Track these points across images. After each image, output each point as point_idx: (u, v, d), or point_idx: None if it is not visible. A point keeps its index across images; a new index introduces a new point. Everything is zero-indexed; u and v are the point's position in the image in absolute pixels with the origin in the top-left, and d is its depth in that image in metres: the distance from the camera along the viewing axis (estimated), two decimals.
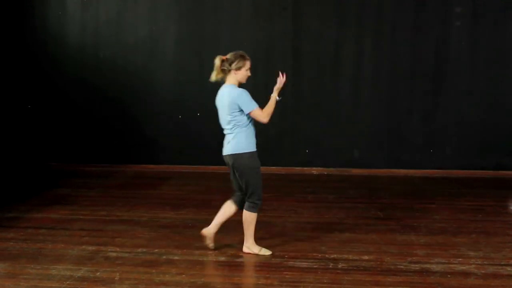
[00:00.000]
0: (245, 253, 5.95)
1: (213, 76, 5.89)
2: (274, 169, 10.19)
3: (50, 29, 10.70)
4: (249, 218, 5.89)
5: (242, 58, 5.79)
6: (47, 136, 10.84)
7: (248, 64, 5.84)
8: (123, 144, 10.73)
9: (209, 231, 6.03)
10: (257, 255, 5.90)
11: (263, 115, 5.74)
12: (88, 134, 10.76)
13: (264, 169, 10.05)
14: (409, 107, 10.13)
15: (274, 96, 5.87)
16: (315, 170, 10.23)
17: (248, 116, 5.75)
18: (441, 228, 6.87)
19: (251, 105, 5.69)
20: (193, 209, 7.77)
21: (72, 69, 10.66)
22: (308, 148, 10.35)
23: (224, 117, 5.82)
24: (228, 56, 5.79)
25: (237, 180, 5.91)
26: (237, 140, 5.78)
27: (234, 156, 5.79)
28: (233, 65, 5.78)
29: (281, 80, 5.88)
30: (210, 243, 6.03)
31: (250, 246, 5.94)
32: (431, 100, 10.10)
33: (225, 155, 5.90)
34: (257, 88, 10.10)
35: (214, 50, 10.38)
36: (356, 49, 10.15)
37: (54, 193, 8.75)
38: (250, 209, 5.86)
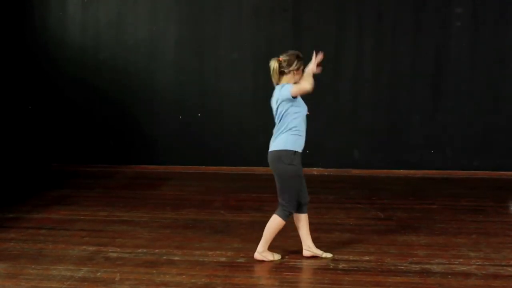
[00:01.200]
0: (258, 260, 5.80)
1: (274, 80, 5.73)
2: None
3: (50, 29, 10.70)
4: (276, 224, 5.71)
5: (299, 58, 5.68)
6: (47, 136, 10.84)
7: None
8: (124, 144, 10.73)
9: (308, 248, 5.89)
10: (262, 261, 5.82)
11: (303, 84, 5.52)
12: (89, 134, 10.76)
13: (264, 169, 10.11)
14: (410, 108, 10.13)
15: (309, 69, 5.66)
16: (315, 171, 10.22)
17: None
18: (441, 228, 6.87)
19: (288, 88, 5.54)
20: (194, 209, 7.76)
21: (73, 69, 10.66)
22: (308, 149, 10.29)
23: (275, 115, 5.69)
24: (285, 57, 5.67)
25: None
26: (281, 139, 5.68)
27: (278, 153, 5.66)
28: (293, 66, 5.65)
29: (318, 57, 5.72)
30: (321, 253, 5.90)
31: (264, 254, 5.81)
32: (431, 100, 10.10)
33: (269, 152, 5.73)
34: (258, 90, 10.16)
35: (214, 51, 10.50)
36: (357, 49, 10.15)
37: (55, 194, 8.75)
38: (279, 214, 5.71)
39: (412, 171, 10.07)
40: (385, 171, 10.11)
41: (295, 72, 5.64)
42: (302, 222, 5.84)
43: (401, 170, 10.11)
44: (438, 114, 10.10)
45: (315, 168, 10.25)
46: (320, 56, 5.71)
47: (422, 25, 10.00)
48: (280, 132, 5.63)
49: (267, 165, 9.48)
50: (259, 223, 6.79)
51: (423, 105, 10.12)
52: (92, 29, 10.64)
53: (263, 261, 5.76)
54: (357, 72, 10.18)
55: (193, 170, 10.38)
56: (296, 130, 5.61)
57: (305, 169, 10.15)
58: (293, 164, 5.63)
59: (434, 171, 10.05)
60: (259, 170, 10.03)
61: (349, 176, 10.00)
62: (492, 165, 10.01)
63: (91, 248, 6.18)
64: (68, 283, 5.23)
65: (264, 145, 10.07)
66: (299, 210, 5.79)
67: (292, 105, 5.56)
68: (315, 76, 5.61)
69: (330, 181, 9.70)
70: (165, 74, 10.57)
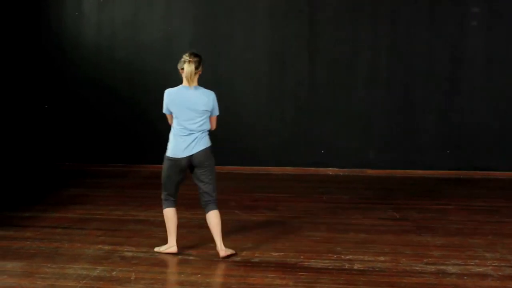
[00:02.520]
0: (225, 256, 5.87)
1: (192, 82, 6.09)
2: (289, 170, 10.19)
3: (66, 30, 10.76)
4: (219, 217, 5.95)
5: (202, 59, 6.07)
6: (63, 136, 10.90)
7: None
8: (139, 144, 10.77)
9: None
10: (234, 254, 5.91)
11: (216, 124, 6.06)
12: (104, 134, 10.80)
13: (279, 169, 10.14)
14: (425, 108, 10.08)
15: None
16: (330, 171, 10.21)
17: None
18: (457, 229, 6.84)
19: (217, 111, 6.01)
20: None
21: (88, 69, 10.72)
22: (323, 149, 10.33)
23: (193, 117, 5.83)
24: (191, 58, 5.94)
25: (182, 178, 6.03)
26: (207, 138, 5.91)
27: (207, 152, 5.84)
28: (200, 67, 6.03)
29: None
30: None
31: (225, 249, 5.92)
32: (446, 100, 10.05)
33: (196, 153, 5.82)
34: (272, 89, 10.16)
35: (229, 51, 10.50)
36: (371, 49, 10.12)
37: (70, 193, 8.80)
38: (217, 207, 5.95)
39: (427, 172, 10.03)
40: (400, 171, 10.08)
41: (199, 73, 6.08)
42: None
43: (417, 171, 10.07)
44: (454, 114, 10.05)
45: (330, 168, 10.24)
46: None
47: (438, 24, 9.95)
48: (202, 132, 5.88)
49: (281, 164, 9.52)
50: (274, 223, 6.82)
51: (438, 105, 10.07)
52: (107, 29, 10.69)
53: (231, 255, 5.89)
54: (372, 72, 10.15)
55: None
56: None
57: (320, 169, 10.26)
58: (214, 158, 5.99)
59: (449, 172, 10.00)
60: (274, 170, 10.05)
61: (364, 176, 9.98)
62: (508, 165, 9.94)
63: (107, 247, 6.21)
64: (83, 282, 5.26)
65: (278, 145, 10.16)
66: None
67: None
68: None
69: (345, 181, 9.68)
70: (179, 74, 10.55)
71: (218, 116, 6.03)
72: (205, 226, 6.91)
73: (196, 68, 5.94)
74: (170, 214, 6.06)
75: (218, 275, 5.44)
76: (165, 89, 10.60)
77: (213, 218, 5.91)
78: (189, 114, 5.85)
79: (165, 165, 6.01)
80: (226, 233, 6.56)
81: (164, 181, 6.05)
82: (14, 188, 9.34)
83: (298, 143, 10.36)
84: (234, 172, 10.18)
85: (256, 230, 6.72)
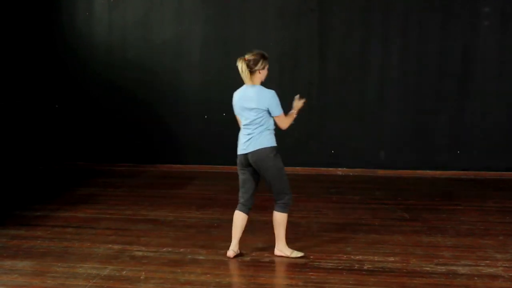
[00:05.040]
0: (277, 256, 5.90)
1: (246, 80, 5.85)
2: (299, 170, 10.18)
3: (77, 30, 10.80)
4: (280, 219, 5.86)
5: (264, 57, 5.80)
6: (74, 135, 10.95)
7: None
8: (150, 144, 10.80)
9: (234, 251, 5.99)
10: (287, 257, 5.88)
11: (286, 121, 5.86)
12: (115, 134, 10.84)
13: (290, 169, 10.05)
14: (436, 108, 10.04)
15: (294, 113, 5.97)
16: (340, 171, 10.20)
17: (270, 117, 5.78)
18: (468, 230, 6.81)
19: (278, 110, 5.76)
20: (219, 209, 7.78)
21: (99, 69, 10.76)
22: (333, 149, 10.32)
23: (248, 116, 5.77)
24: (249, 56, 5.76)
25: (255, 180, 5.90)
26: (264, 139, 5.75)
27: (261, 153, 5.73)
28: (258, 65, 5.76)
29: (300, 102, 6.01)
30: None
31: (282, 249, 5.92)
32: (458, 101, 10.01)
33: (249, 153, 5.77)
34: (283, 89, 10.15)
35: (240, 51, 10.44)
36: (383, 49, 10.09)
37: (81, 192, 8.83)
38: (281, 210, 5.84)
39: (438, 172, 10.00)
40: (411, 171, 10.05)
41: (260, 71, 5.80)
42: (244, 221, 5.98)
43: (427, 171, 10.04)
44: (465, 115, 10.01)
45: (340, 168, 10.23)
46: (301, 102, 6.04)
47: (449, 24, 9.91)
48: (260, 132, 5.75)
49: (292, 164, 9.52)
50: None
51: (450, 105, 10.03)
52: (118, 30, 10.71)
53: (281, 256, 5.85)
54: (383, 72, 10.13)
55: (218, 170, 10.40)
56: (273, 129, 5.86)
57: (330, 169, 10.25)
58: (278, 158, 5.79)
59: (460, 172, 9.96)
60: (285, 169, 10.02)
61: (375, 176, 9.96)
62: None
63: (117, 247, 6.23)
64: (93, 281, 5.27)
65: (289, 145, 10.15)
66: (246, 209, 5.96)
67: (269, 113, 5.79)
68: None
69: (355, 181, 9.66)
70: (190, 74, 10.60)
71: (273, 117, 5.80)
72: (215, 226, 6.95)
73: (249, 67, 5.75)
74: (234, 217, 5.99)
75: (228, 275, 5.44)
76: (176, 88, 10.73)
77: (273, 218, 5.89)
78: (243, 113, 5.81)
79: None
80: None
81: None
82: (25, 187, 9.38)
83: (309, 143, 10.36)
84: None
85: (266, 230, 6.71)
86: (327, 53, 10.19)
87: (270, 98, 5.74)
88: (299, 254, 5.91)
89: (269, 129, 5.78)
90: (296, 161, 10.23)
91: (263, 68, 5.81)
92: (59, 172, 10.46)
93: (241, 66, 5.74)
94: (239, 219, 5.93)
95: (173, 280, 5.31)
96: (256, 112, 5.72)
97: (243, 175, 5.91)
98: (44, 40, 10.88)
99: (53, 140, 11.01)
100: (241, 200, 5.96)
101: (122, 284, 5.22)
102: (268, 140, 5.75)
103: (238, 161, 5.89)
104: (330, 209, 7.79)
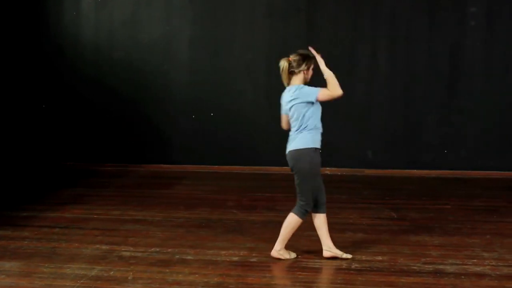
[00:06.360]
0: (275, 257, 5.84)
1: (285, 80, 5.75)
2: (287, 169, 10.13)
3: (64, 29, 10.76)
4: (290, 219, 5.80)
5: (309, 58, 5.71)
6: (61, 135, 10.91)
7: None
8: (138, 144, 10.77)
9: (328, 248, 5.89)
10: (278, 259, 5.84)
11: (331, 88, 5.63)
12: (103, 133, 10.81)
13: (278, 169, 10.12)
14: (424, 108, 10.08)
15: (327, 73, 5.71)
16: (328, 170, 10.20)
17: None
18: (455, 229, 6.84)
19: (314, 90, 5.62)
20: (207, 209, 7.77)
21: (87, 69, 10.73)
22: (321, 148, 10.30)
23: (291, 116, 5.71)
24: (293, 57, 5.68)
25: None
26: (302, 140, 5.73)
27: (295, 153, 5.75)
28: (301, 66, 5.68)
29: (318, 56, 5.80)
30: (341, 254, 5.87)
31: (281, 252, 5.85)
32: (446, 100, 10.05)
33: (287, 152, 5.85)
34: (271, 89, 10.15)
35: (228, 51, 10.50)
36: (371, 49, 10.13)
37: (69, 193, 8.80)
38: (296, 212, 5.79)
39: (426, 171, 10.03)
40: (398, 171, 10.08)
41: (304, 72, 5.69)
42: (321, 221, 5.84)
43: (415, 170, 10.07)
44: (453, 114, 10.05)
45: (328, 168, 10.23)
46: (318, 55, 5.82)
47: (437, 24, 9.95)
48: (299, 131, 5.69)
49: (280, 164, 9.50)
50: (272, 223, 6.81)
51: (437, 105, 10.07)
52: (106, 29, 10.69)
53: (279, 259, 5.78)
54: (371, 71, 10.16)
55: (207, 170, 10.40)
56: (316, 128, 5.70)
57: None
58: (313, 162, 5.69)
59: (448, 171, 10.00)
60: (273, 169, 10.04)
61: (363, 176, 9.98)
62: (507, 165, 9.95)
63: (104, 247, 6.21)
64: (81, 281, 5.25)
65: (277, 144, 10.08)
66: (317, 209, 5.80)
67: (313, 106, 5.63)
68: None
69: (343, 180, 9.69)
70: (179, 74, 10.59)
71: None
72: (203, 226, 6.94)
73: (291, 66, 5.65)
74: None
75: (216, 275, 5.43)
76: (165, 88, 10.70)
77: (287, 218, 5.82)
78: (287, 113, 5.76)
79: None
80: (224, 233, 6.58)
81: None
82: (12, 187, 9.33)
83: None
84: (233, 172, 10.19)
85: (254, 230, 6.72)
86: (310, 52, 10.17)
87: (299, 89, 5.62)
88: (294, 255, 5.87)
89: (309, 129, 5.66)
90: (285, 160, 10.20)
91: (308, 69, 5.71)
92: (47, 172, 10.41)
93: (282, 65, 5.66)
94: (316, 219, 5.87)
95: (161, 280, 5.30)
96: (294, 112, 5.64)
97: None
98: (30, 39, 10.83)
99: (40, 140, 10.95)
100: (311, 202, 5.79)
101: (110, 285, 5.20)
102: (304, 142, 5.68)
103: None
104: None
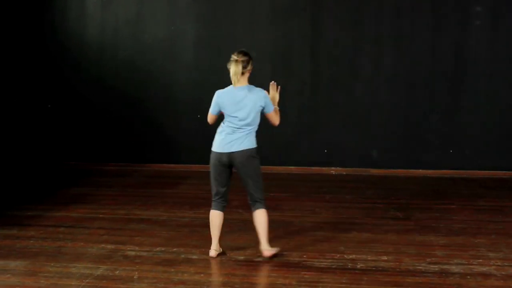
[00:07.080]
0: (270, 256, 5.83)
1: (236, 81, 5.82)
2: (292, 169, 10.19)
3: (69, 29, 10.77)
4: (266, 216, 5.87)
5: (251, 57, 5.84)
6: (66, 135, 10.91)
7: None
8: (142, 143, 10.78)
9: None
10: (275, 254, 5.87)
11: (277, 117, 6.01)
12: (107, 133, 10.81)
13: (282, 168, 10.13)
14: (428, 107, 10.06)
15: (276, 107, 6.04)
16: (333, 170, 10.20)
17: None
18: (460, 229, 6.83)
19: (272, 106, 5.92)
20: None
21: (91, 68, 10.73)
22: (326, 148, 10.33)
23: (245, 116, 5.79)
24: (241, 58, 5.73)
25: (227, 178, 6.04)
26: (251, 139, 5.92)
27: (246, 153, 5.86)
28: (249, 66, 5.79)
29: (276, 94, 6.11)
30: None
31: (268, 247, 5.89)
32: (450, 100, 10.03)
33: (238, 151, 5.86)
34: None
35: (232, 51, 10.45)
36: (375, 48, 10.11)
37: (74, 192, 8.81)
38: (265, 207, 5.88)
39: (430, 171, 10.01)
40: (403, 170, 10.06)
41: (249, 71, 5.85)
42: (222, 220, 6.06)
43: (420, 170, 10.05)
44: (457, 114, 10.03)
45: (333, 168, 10.23)
46: (277, 92, 6.14)
47: (441, 23, 9.93)
48: (249, 132, 5.92)
49: (285, 164, 9.55)
50: (276, 222, 6.81)
51: (441, 105, 10.05)
52: (110, 29, 10.69)
53: (275, 255, 5.82)
54: (375, 71, 10.14)
55: None
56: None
57: (323, 168, 10.25)
58: (258, 159, 6.01)
59: (452, 171, 9.98)
60: (277, 169, 10.03)
61: (367, 175, 9.97)
62: (511, 165, 9.92)
63: (110, 246, 6.22)
64: (86, 281, 5.26)
65: (282, 144, 10.15)
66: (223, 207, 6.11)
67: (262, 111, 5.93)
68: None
69: (348, 180, 9.67)
70: (183, 73, 10.59)
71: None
72: (208, 226, 6.93)
73: (244, 67, 5.74)
74: (211, 217, 6.06)
75: (221, 274, 5.44)
76: (169, 88, 10.70)
77: (258, 217, 5.87)
78: (235, 113, 5.85)
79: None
80: (229, 232, 6.58)
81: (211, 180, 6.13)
82: (18, 187, 9.35)
83: (301, 143, 10.36)
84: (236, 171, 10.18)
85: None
86: (318, 52, 10.19)
87: (264, 97, 5.83)
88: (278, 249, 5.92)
89: (255, 130, 5.94)
90: (289, 160, 10.24)
91: (251, 68, 5.85)
92: (52, 172, 10.42)
93: (234, 68, 5.71)
94: (218, 218, 6.00)
95: (166, 279, 5.30)
96: (249, 112, 5.76)
97: (223, 173, 6.03)
98: (35, 39, 10.83)
99: (45, 139, 10.96)
100: (216, 198, 6.07)
101: (115, 284, 5.21)
102: (254, 141, 5.94)
103: (216, 159, 5.99)
104: (323, 208, 7.80)
